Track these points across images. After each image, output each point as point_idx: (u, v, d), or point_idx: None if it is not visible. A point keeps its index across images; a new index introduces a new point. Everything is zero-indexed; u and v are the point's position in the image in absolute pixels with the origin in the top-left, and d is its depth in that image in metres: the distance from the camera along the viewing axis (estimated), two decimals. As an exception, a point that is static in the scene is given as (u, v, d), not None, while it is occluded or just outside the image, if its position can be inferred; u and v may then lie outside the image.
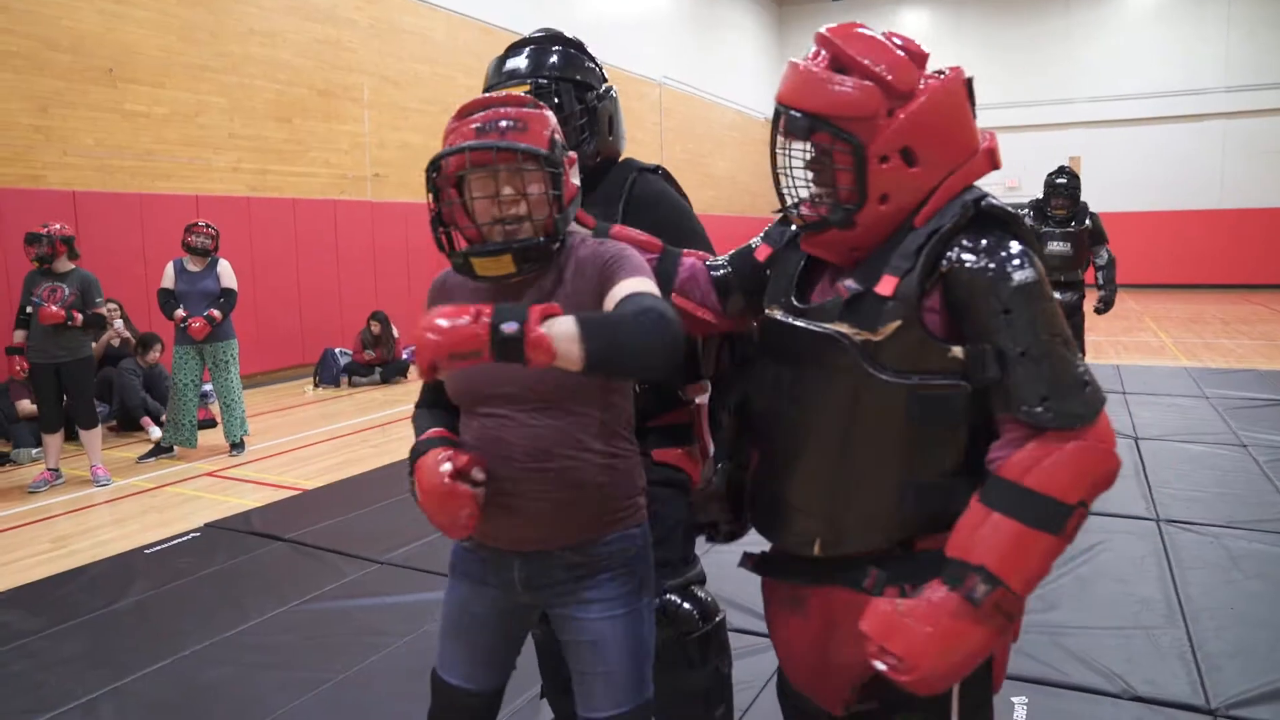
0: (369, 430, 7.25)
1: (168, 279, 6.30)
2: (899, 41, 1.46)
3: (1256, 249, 19.07)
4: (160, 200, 8.36)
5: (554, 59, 2.03)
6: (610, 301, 1.46)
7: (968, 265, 1.38)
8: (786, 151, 1.51)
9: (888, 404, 1.40)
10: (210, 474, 5.94)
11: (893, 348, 1.39)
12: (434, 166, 1.52)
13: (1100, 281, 6.60)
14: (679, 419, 1.96)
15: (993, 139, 1.49)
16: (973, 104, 1.48)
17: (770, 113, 1.49)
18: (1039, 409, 1.33)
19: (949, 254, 1.40)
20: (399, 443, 6.65)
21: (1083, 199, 6.66)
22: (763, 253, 1.68)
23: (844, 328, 1.42)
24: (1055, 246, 6.49)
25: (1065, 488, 1.31)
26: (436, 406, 1.65)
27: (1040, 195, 6.72)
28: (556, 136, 1.52)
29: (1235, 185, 19.36)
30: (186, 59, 8.65)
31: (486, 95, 1.60)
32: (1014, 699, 2.76)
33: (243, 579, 3.97)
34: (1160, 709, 2.72)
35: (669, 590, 1.90)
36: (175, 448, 6.41)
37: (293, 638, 3.35)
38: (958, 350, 1.39)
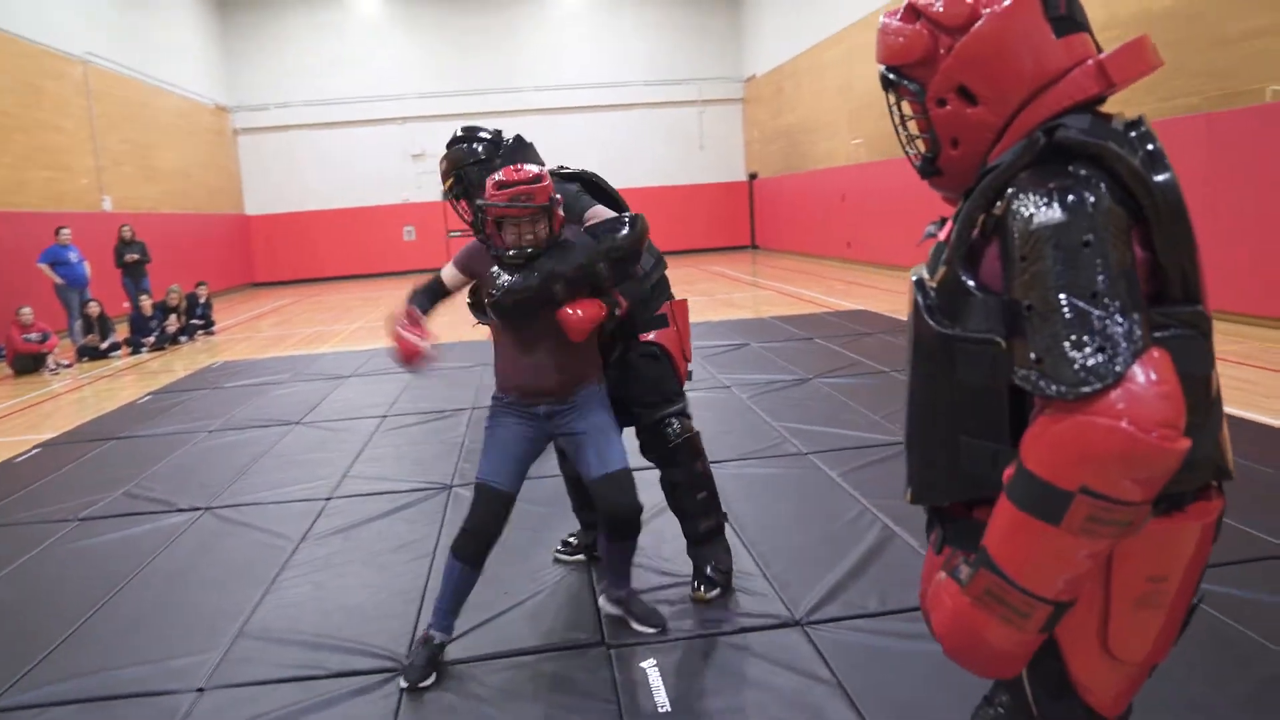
0: None
1: None
2: None
3: (690, 220, 22.64)
4: None
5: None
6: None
7: (1014, 206, 1.21)
8: (891, 107, 1.45)
9: (938, 354, 1.30)
10: None
11: (943, 295, 1.29)
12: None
13: None
14: (659, 321, 3.25)
15: (1116, 52, 1.27)
16: (1058, 21, 1.28)
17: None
18: (1029, 372, 1.16)
19: (1007, 194, 1.23)
20: None
21: None
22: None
23: (923, 274, 1.36)
24: None
25: (1055, 469, 1.13)
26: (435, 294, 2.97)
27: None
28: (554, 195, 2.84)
29: (665, 166, 22.66)
30: None
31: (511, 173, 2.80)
32: (643, 664, 2.86)
33: None
34: (765, 633, 3.01)
35: (665, 416, 3.22)
36: None
37: None
38: (990, 302, 1.24)
